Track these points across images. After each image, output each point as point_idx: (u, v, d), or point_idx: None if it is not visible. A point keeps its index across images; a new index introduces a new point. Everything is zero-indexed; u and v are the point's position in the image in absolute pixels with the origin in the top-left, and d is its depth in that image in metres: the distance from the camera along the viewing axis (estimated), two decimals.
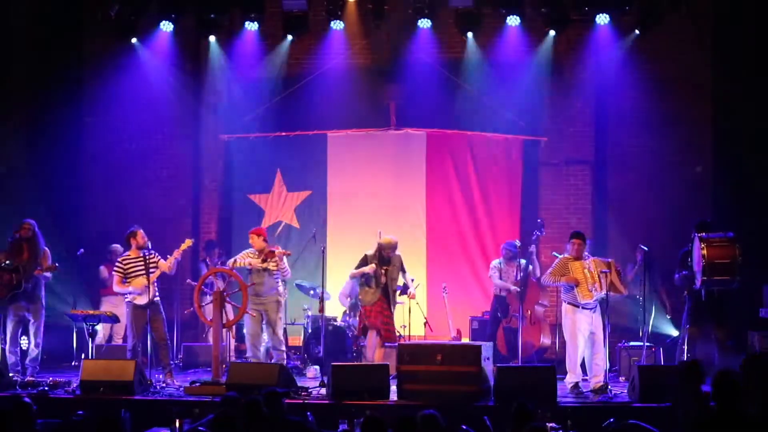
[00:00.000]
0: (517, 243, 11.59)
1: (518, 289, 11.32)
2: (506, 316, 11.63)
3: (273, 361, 10.45)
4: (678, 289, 11.05)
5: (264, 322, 10.57)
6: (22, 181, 12.37)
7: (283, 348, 10.71)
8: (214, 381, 9.65)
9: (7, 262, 10.37)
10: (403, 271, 10.80)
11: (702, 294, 10.13)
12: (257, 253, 10.60)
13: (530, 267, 11.47)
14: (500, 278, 11.66)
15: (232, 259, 10.82)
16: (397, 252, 10.71)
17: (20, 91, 12.68)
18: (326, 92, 13.10)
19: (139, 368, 9.48)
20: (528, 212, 12.96)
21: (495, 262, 11.81)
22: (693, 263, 10.15)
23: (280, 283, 10.73)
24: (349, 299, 11.94)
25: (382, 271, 10.57)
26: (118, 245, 11.89)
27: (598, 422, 7.59)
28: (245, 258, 10.62)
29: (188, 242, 10.51)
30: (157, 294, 10.42)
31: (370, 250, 10.67)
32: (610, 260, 9.89)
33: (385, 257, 10.61)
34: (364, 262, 10.64)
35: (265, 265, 10.53)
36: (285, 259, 10.66)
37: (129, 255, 10.49)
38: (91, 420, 7.03)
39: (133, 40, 13.06)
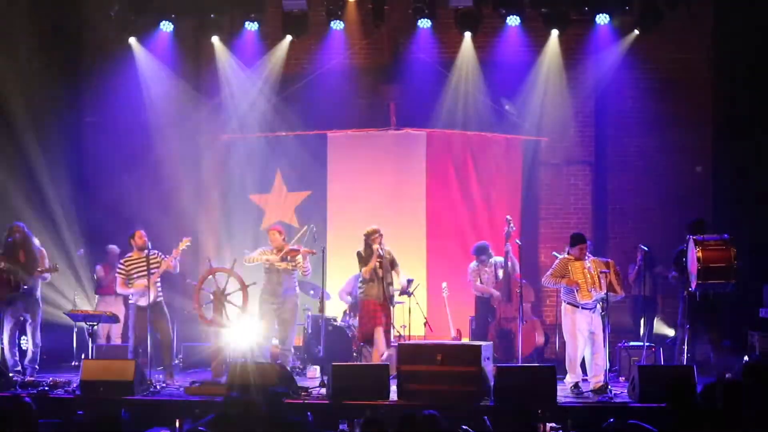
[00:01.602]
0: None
1: (498, 293, 11.39)
2: (494, 319, 11.61)
3: (279, 360, 10.42)
4: (671, 288, 11.03)
5: (277, 323, 10.56)
6: (22, 181, 12.36)
7: (292, 349, 10.73)
8: (214, 381, 9.66)
9: (3, 264, 10.37)
10: (395, 265, 10.74)
11: (697, 295, 10.08)
12: (275, 251, 10.58)
13: (509, 264, 11.47)
14: (481, 281, 11.65)
15: (248, 256, 10.79)
16: (387, 247, 10.66)
17: (20, 91, 12.66)
18: (326, 92, 13.09)
19: (139, 368, 9.47)
20: (528, 212, 12.97)
21: (472, 265, 11.81)
22: (687, 264, 10.11)
23: (296, 283, 10.73)
24: (350, 297, 11.90)
25: (377, 263, 10.55)
26: (114, 246, 11.87)
27: (598, 422, 7.55)
28: (263, 255, 10.60)
29: (186, 241, 10.49)
30: (160, 294, 10.42)
31: (360, 247, 10.65)
32: (609, 260, 9.87)
33: (372, 246, 10.55)
34: (361, 257, 10.60)
35: (285, 264, 10.51)
36: (308, 258, 10.64)
37: (131, 256, 10.51)
38: (91, 420, 7.02)
39: (133, 40, 13.07)
